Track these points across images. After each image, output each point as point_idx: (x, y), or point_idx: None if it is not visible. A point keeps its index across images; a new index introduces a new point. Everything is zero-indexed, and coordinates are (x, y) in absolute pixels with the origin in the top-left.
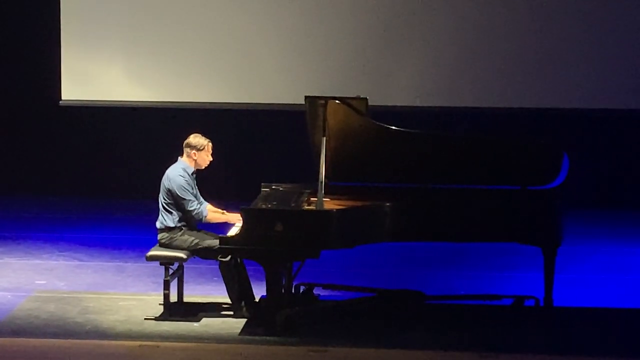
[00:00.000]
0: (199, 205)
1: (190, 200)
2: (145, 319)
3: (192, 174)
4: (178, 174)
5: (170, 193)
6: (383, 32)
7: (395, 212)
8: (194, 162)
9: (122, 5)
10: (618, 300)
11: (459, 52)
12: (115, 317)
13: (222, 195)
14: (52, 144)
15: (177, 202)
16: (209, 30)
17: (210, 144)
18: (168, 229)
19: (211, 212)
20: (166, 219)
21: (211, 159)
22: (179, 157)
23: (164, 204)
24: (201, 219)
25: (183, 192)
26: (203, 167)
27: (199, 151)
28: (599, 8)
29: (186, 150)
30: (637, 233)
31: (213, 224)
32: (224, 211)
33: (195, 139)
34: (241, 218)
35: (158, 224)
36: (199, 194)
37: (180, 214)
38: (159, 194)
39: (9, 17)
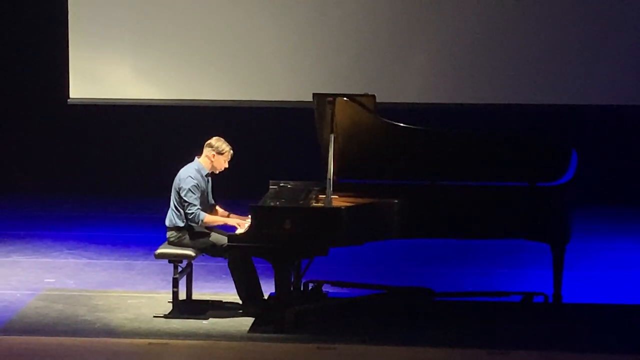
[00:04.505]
0: (197, 210)
1: (190, 204)
2: (154, 316)
3: (205, 175)
4: (188, 175)
5: (178, 193)
6: (391, 28)
7: (403, 209)
8: (210, 164)
9: (130, 3)
10: (627, 297)
11: (466, 49)
12: (124, 315)
13: (230, 192)
14: (60, 142)
15: (181, 202)
16: (217, 29)
17: (231, 152)
18: (177, 229)
19: (208, 216)
20: (176, 217)
21: (227, 167)
22: (196, 157)
23: (175, 203)
24: (197, 223)
25: (188, 194)
26: (217, 172)
27: (219, 154)
28: (606, 4)
29: (206, 150)
30: None
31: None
32: (229, 214)
33: (218, 142)
34: (250, 216)
35: (167, 222)
36: (210, 195)
37: None
38: (169, 192)
39: (17, 16)
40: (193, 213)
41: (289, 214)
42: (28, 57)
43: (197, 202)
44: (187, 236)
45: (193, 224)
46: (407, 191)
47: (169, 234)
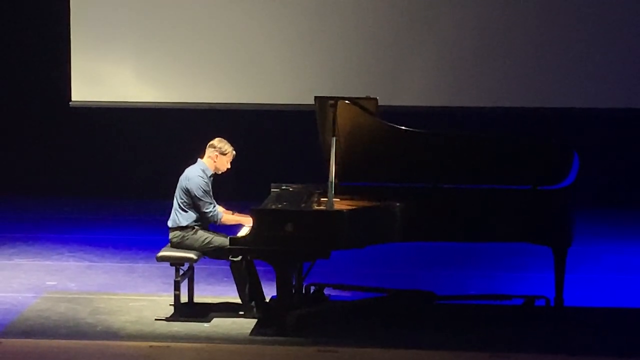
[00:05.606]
0: (215, 208)
1: (208, 202)
2: (156, 319)
3: (209, 176)
4: (197, 175)
5: (188, 193)
6: (392, 31)
7: (405, 212)
8: (214, 164)
9: (132, 6)
10: (629, 300)
11: (468, 51)
12: (125, 318)
13: (232, 195)
14: (62, 144)
15: (194, 202)
16: (219, 31)
17: (234, 152)
18: (180, 228)
19: (225, 215)
20: (180, 218)
21: (229, 167)
22: (199, 158)
23: (180, 203)
24: (216, 222)
25: (202, 192)
26: (220, 172)
27: (222, 155)
28: (606, 5)
29: (209, 150)
30: None
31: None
32: (233, 212)
33: (221, 142)
34: (251, 218)
35: (170, 223)
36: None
37: (196, 214)
38: (171, 194)
39: (18, 18)
40: (212, 212)
41: (290, 217)
42: (30, 60)
43: (212, 201)
44: (189, 237)
45: (209, 223)
46: (409, 194)
47: (171, 234)
